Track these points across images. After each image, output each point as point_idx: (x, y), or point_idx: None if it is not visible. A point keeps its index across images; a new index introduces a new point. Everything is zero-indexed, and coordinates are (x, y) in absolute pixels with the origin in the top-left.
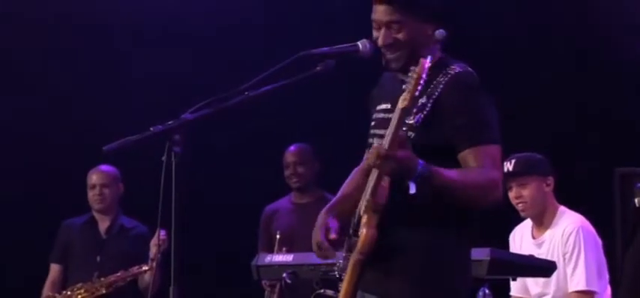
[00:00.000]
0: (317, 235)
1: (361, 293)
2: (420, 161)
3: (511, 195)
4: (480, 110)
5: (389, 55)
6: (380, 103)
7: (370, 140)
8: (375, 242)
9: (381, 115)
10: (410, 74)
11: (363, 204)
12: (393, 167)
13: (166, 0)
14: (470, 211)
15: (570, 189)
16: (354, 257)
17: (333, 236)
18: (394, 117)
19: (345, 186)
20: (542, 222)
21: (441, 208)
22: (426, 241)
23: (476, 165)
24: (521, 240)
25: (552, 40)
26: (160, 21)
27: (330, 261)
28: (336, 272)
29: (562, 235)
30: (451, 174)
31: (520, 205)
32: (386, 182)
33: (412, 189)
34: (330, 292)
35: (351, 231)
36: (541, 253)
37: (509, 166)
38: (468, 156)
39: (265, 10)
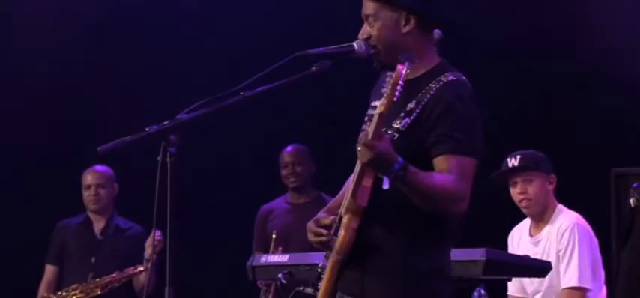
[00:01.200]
0: (309, 225)
1: (340, 294)
2: (399, 158)
3: (515, 191)
4: (464, 120)
5: (370, 51)
6: (373, 101)
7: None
8: (352, 244)
9: (372, 112)
10: (387, 79)
11: (344, 205)
12: (371, 157)
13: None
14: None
15: (566, 189)
16: (332, 257)
17: (327, 220)
18: (374, 119)
19: (344, 188)
20: (541, 219)
21: (421, 210)
22: (404, 243)
23: (447, 173)
24: (520, 240)
25: (550, 41)
26: (160, 21)
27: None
28: (320, 271)
29: (557, 232)
30: (424, 176)
31: (524, 202)
32: (368, 183)
33: (386, 185)
34: (309, 290)
35: (333, 232)
36: (537, 251)
37: (514, 162)
38: (441, 162)
39: (265, 10)
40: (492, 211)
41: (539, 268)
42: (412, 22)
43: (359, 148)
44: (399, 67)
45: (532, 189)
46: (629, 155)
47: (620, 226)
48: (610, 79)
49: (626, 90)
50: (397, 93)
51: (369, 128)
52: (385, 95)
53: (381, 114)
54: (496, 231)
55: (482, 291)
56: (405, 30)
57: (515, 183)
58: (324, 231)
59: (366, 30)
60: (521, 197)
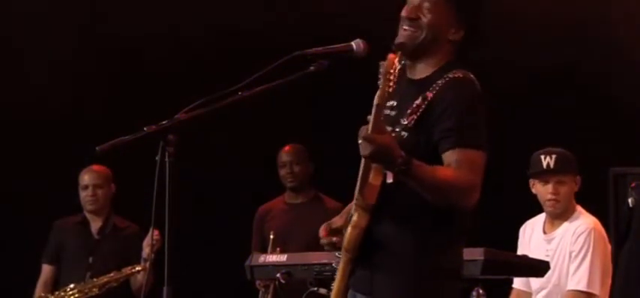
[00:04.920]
0: (321, 229)
1: (352, 292)
2: (402, 152)
3: (544, 189)
4: (470, 115)
5: (403, 31)
6: (388, 101)
7: None
8: (359, 241)
9: (387, 112)
10: (380, 70)
11: (353, 203)
12: (372, 150)
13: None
14: (461, 212)
15: None
16: (343, 255)
17: (338, 224)
18: (373, 111)
19: None
20: (559, 218)
21: (432, 208)
22: (414, 241)
23: (455, 167)
24: (532, 234)
25: (550, 40)
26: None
27: (324, 262)
28: (331, 271)
29: (573, 233)
30: (430, 169)
31: (551, 201)
32: (376, 180)
33: (389, 179)
34: (323, 290)
35: (344, 231)
36: (550, 248)
37: (549, 161)
38: (449, 156)
39: (265, 10)
40: (491, 210)
41: (537, 268)
42: (461, 34)
43: (359, 142)
44: (391, 55)
45: (563, 190)
46: (627, 155)
47: (618, 226)
48: (610, 78)
49: (626, 89)
50: (391, 83)
51: (371, 121)
52: (380, 86)
53: (378, 106)
54: (495, 231)
55: (481, 291)
56: (451, 37)
57: (547, 182)
58: (323, 233)
59: (415, 10)
60: (552, 196)
